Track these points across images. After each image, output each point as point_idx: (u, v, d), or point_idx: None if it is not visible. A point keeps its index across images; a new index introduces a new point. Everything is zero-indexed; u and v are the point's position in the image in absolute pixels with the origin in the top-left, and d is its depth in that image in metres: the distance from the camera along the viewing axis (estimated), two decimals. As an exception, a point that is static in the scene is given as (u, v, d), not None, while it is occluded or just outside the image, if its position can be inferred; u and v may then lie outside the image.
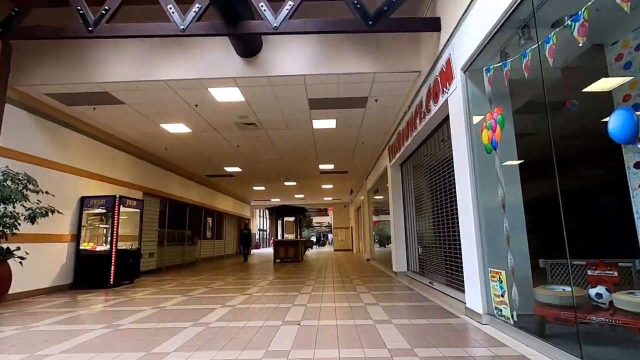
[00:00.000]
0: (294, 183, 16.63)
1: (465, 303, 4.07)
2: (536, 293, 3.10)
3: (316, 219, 46.54)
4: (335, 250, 25.77)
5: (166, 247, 11.73)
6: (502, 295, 3.24)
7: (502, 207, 3.29)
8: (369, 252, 14.17)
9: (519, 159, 3.69)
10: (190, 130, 8.41)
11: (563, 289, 3.08)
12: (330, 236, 46.41)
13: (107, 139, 8.34)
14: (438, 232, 5.83)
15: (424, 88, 5.53)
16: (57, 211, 5.32)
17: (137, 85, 5.90)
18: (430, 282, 6.05)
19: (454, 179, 4.85)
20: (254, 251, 24.78)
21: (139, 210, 8.37)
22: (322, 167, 13.14)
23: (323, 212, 37.77)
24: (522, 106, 4.10)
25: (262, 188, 18.01)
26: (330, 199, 23.61)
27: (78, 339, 3.36)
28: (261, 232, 36.12)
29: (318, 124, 8.13)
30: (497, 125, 3.24)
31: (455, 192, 4.85)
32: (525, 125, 4.12)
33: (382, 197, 12.14)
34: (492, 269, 3.46)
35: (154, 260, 10.77)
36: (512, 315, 3.14)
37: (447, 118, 5.02)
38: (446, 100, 4.52)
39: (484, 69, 3.48)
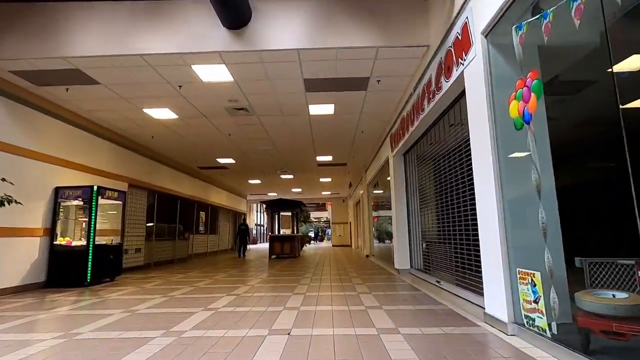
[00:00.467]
0: (291, 176, 16.03)
1: (484, 308, 3.49)
2: (580, 300, 2.52)
3: (314, 214, 46.02)
4: (333, 245, 25.25)
5: (155, 242, 11.13)
6: (536, 302, 2.66)
7: (537, 194, 2.69)
8: (368, 248, 13.63)
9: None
10: (177, 117, 7.78)
11: (613, 295, 2.50)
12: (328, 231, 45.98)
13: (86, 125, 7.70)
14: (447, 226, 5.24)
15: (433, 64, 4.91)
16: (16, 201, 4.71)
17: (111, 61, 5.26)
18: (437, 282, 5.48)
19: (466, 166, 4.26)
20: (250, 246, 24.23)
21: (121, 202, 7.75)
22: (319, 158, 12.53)
23: (321, 207, 37.21)
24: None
25: (258, 181, 17.41)
26: (329, 193, 23.05)
27: (19, 353, 2.77)
28: (259, 227, 35.58)
29: (315, 109, 7.51)
30: (532, 94, 2.63)
31: (467, 180, 4.27)
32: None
33: (382, 191, 11.57)
34: (521, 269, 2.87)
35: (142, 256, 10.18)
36: (549, 327, 2.56)
37: (461, 96, 4.41)
38: (461, 74, 3.91)
39: (514, 27, 2.86)
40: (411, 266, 7.67)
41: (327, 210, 45.88)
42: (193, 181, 14.20)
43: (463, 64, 3.85)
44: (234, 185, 18.54)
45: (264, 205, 13.77)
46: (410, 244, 7.79)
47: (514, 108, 2.84)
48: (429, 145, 6.14)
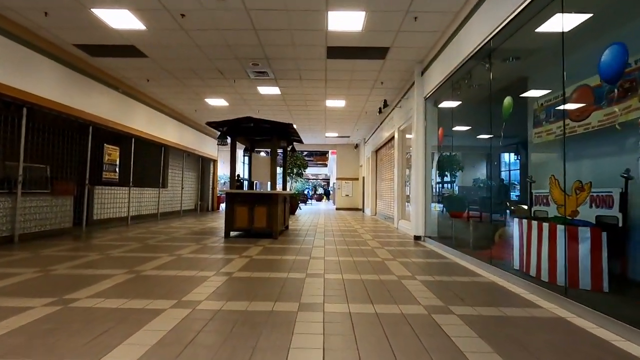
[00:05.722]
0: (276, 89, 9.04)
1: None
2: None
3: (310, 170, 39.28)
4: (337, 209, 18.82)
5: None
6: None
7: None
8: (421, 224, 6.97)
9: None
10: None
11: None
12: (330, 190, 39.89)
13: None
14: None
15: None
16: None
17: None
18: None
19: None
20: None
21: None
22: (334, 19, 5.50)
23: (320, 159, 30.44)
24: None
25: (223, 103, 10.41)
26: (335, 135, 16.12)
27: None
28: (245, 182, 28.81)
29: None
30: None
31: None
32: None
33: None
34: None
35: None
36: None
37: None
38: None
39: None
40: None
41: (326, 166, 39.12)
42: (80, 81, 7.21)
43: None
44: (183, 105, 11.51)
45: (219, 134, 6.83)
46: None
47: None
48: None
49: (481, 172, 6.55)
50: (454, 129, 6.15)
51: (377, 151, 14.10)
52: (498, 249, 4.87)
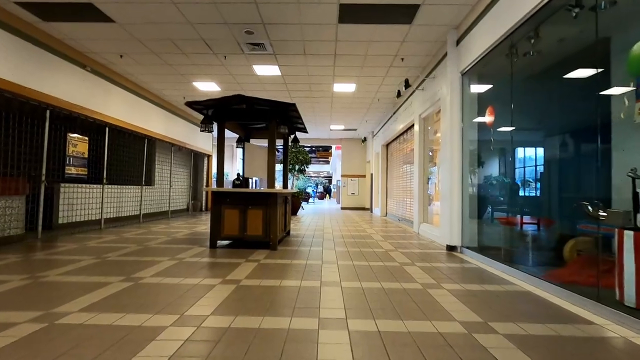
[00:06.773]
0: (276, 69, 7.64)
1: None
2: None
3: (311, 168, 37.88)
4: (342, 208, 17.45)
5: None
6: None
7: None
8: (451, 230, 5.57)
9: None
10: None
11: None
12: (330, 187, 38.57)
13: None
14: None
15: None
16: None
17: None
18: None
19: None
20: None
21: None
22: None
23: (323, 154, 29.05)
24: None
25: (215, 87, 9.03)
26: (341, 127, 14.71)
27: None
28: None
29: None
30: None
31: None
32: None
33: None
34: None
35: None
36: None
37: None
38: None
39: None
40: None
41: (328, 163, 37.69)
42: (36, 55, 5.83)
43: None
44: (169, 91, 10.13)
45: (203, 121, 5.45)
46: None
47: None
48: None
49: (549, 164, 5.16)
50: (509, 108, 4.76)
51: (388, 145, 12.70)
52: (577, 270, 3.51)
